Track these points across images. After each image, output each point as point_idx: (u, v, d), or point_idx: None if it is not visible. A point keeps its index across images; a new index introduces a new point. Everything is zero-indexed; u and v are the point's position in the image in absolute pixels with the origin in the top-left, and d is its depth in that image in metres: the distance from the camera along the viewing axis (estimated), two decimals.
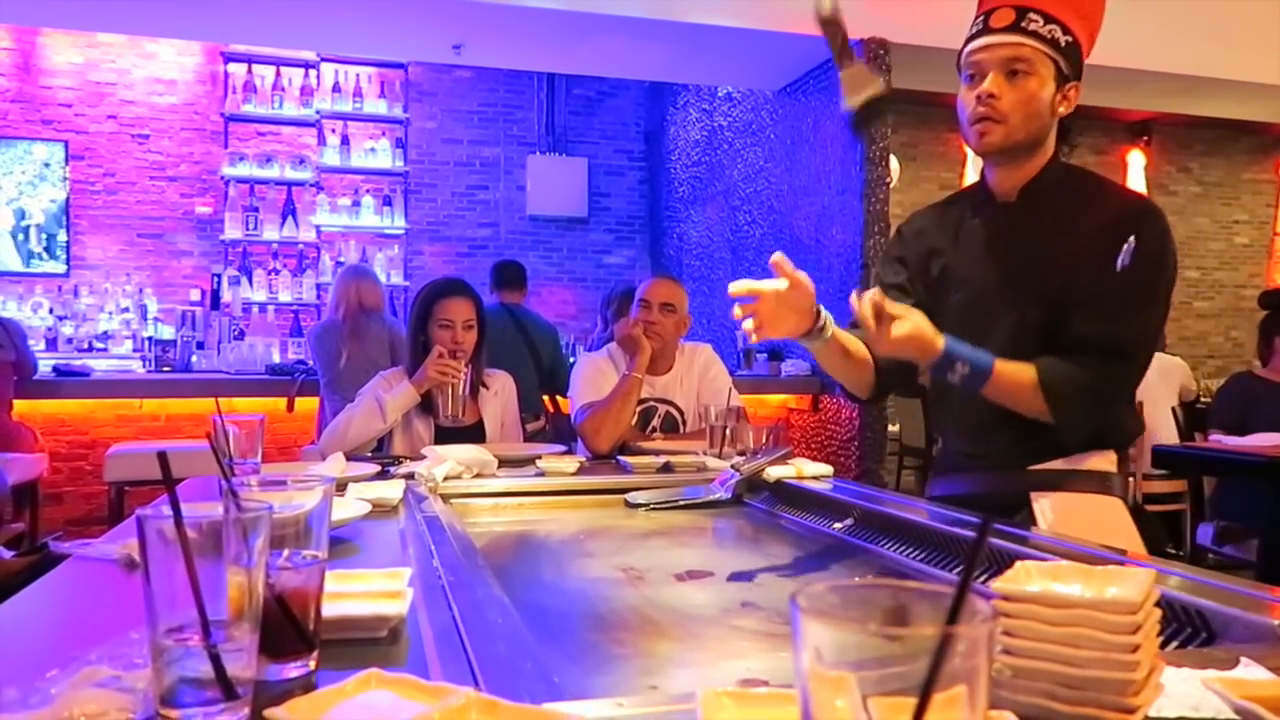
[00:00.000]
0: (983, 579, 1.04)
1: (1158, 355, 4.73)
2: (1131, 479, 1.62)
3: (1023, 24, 1.48)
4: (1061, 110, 1.54)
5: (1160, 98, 5.57)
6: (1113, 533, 1.50)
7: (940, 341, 1.45)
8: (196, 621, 0.65)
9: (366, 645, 0.87)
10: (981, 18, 1.54)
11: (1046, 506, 1.54)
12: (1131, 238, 1.46)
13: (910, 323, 1.42)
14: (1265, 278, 8.46)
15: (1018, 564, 0.74)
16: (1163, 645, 0.97)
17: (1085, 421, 1.53)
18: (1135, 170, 8.23)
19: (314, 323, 5.47)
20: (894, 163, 5.56)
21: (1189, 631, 0.97)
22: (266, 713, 0.66)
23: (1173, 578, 1.06)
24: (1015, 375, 1.49)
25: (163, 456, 0.70)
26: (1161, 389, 4.50)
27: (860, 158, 4.30)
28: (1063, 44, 1.50)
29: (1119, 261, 1.46)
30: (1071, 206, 1.56)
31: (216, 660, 0.65)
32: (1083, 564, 0.73)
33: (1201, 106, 5.63)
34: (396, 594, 0.94)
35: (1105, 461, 1.59)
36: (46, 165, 6.15)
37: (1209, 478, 3.69)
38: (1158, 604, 0.70)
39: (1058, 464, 1.57)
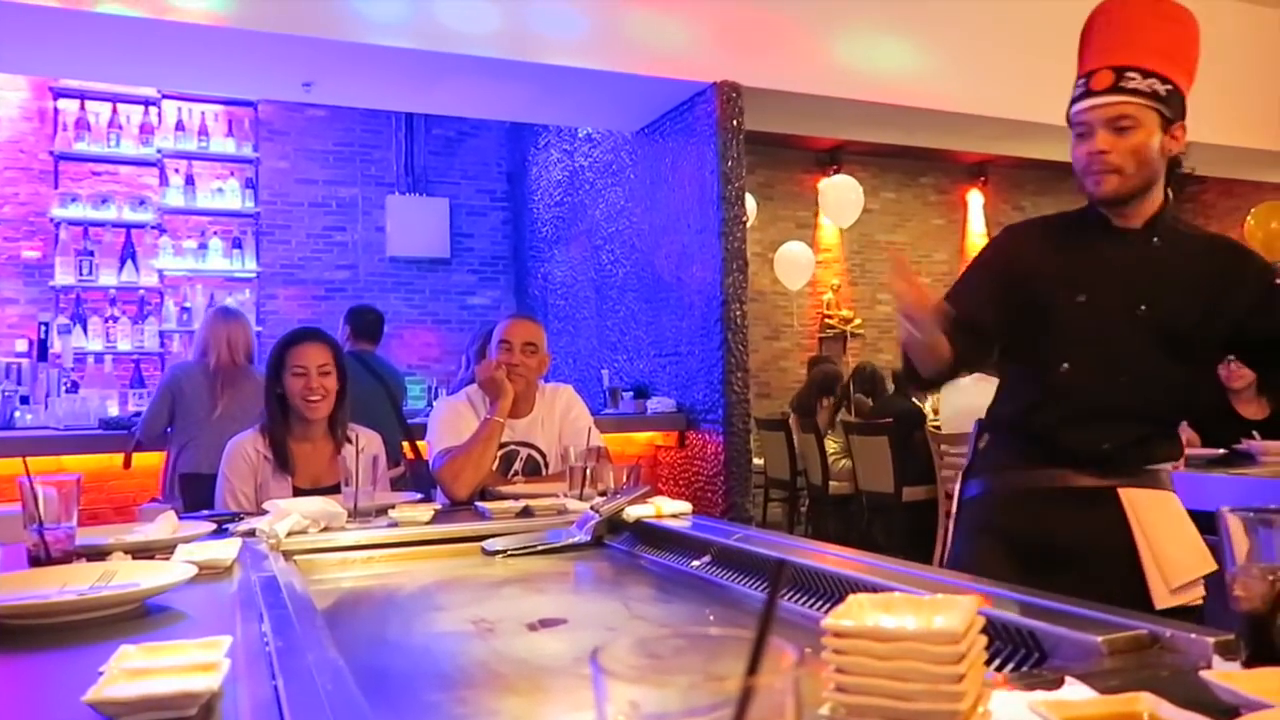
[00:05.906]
0: (824, 607, 1.04)
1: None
2: None
3: (1121, 83, 1.61)
4: (1172, 149, 1.66)
5: (993, 141, 5.94)
6: (1180, 519, 1.68)
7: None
8: None
9: None
10: (1083, 80, 1.68)
11: (1136, 502, 1.65)
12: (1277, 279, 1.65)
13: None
14: None
15: (850, 598, 0.73)
16: (999, 668, 0.99)
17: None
18: (975, 208, 8.77)
19: (166, 369, 4.97)
20: (750, 202, 5.71)
21: (1023, 653, 1.00)
22: None
23: (1008, 600, 1.09)
24: None
25: None
26: None
27: (717, 197, 4.38)
28: (1163, 93, 1.61)
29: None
30: (1196, 246, 1.71)
31: None
32: (912, 595, 0.73)
33: (1031, 149, 6.03)
34: (210, 665, 0.86)
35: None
36: None
37: None
38: (986, 630, 0.70)
39: (1158, 466, 1.71)
